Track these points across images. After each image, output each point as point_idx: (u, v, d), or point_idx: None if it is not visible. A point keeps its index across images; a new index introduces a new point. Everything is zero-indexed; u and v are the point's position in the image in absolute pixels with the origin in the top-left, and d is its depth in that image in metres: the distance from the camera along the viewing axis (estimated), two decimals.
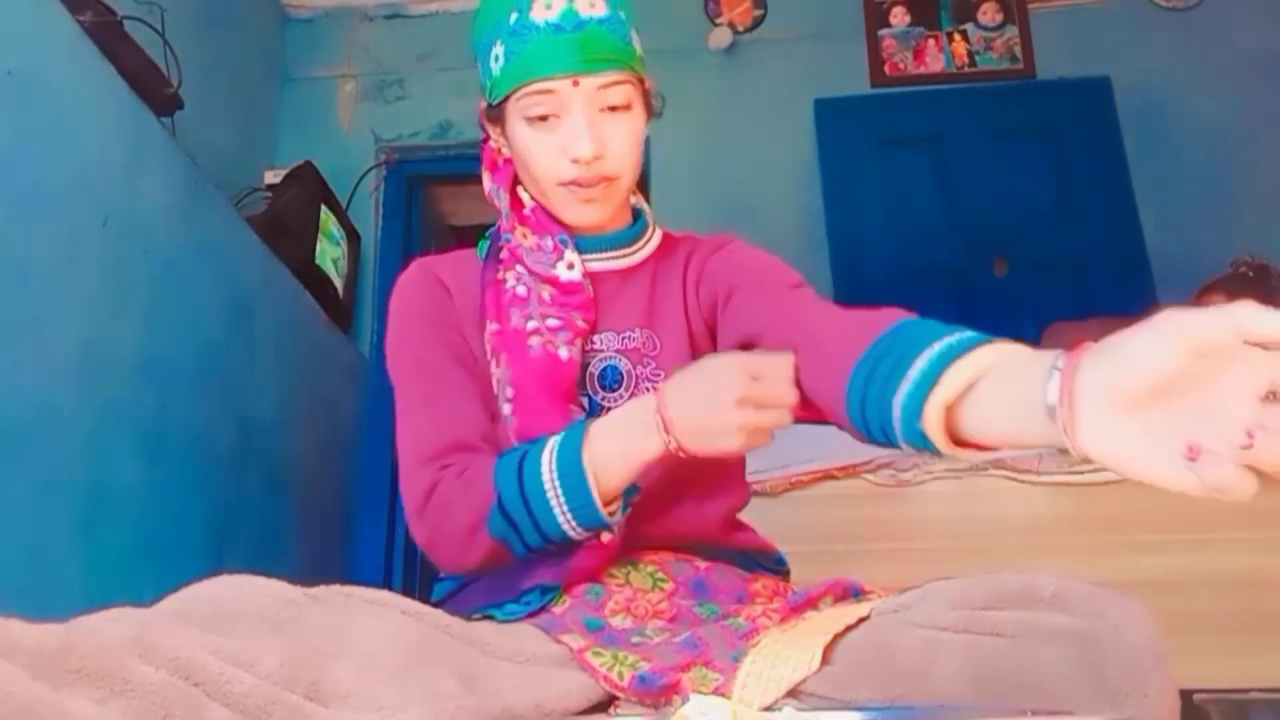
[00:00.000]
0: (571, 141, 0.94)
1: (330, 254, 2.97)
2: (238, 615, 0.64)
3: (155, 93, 2.03)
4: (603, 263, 1.03)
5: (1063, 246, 3.23)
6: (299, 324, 2.64)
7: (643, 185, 3.47)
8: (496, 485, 0.86)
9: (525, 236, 1.02)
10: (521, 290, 0.99)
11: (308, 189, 2.87)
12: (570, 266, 0.99)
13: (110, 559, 1.74)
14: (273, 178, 2.93)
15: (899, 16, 3.55)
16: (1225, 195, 3.18)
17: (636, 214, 1.09)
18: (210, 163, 2.30)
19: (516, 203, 1.03)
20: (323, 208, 2.93)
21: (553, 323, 0.96)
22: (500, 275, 1.02)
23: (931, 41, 3.52)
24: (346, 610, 0.70)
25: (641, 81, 0.99)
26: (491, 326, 0.98)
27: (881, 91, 3.48)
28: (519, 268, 1.00)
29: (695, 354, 1.00)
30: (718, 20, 3.60)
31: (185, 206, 2.07)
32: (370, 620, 0.69)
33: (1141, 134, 3.25)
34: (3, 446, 1.49)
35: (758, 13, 3.60)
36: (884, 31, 3.54)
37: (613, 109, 0.95)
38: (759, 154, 3.41)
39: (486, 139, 1.05)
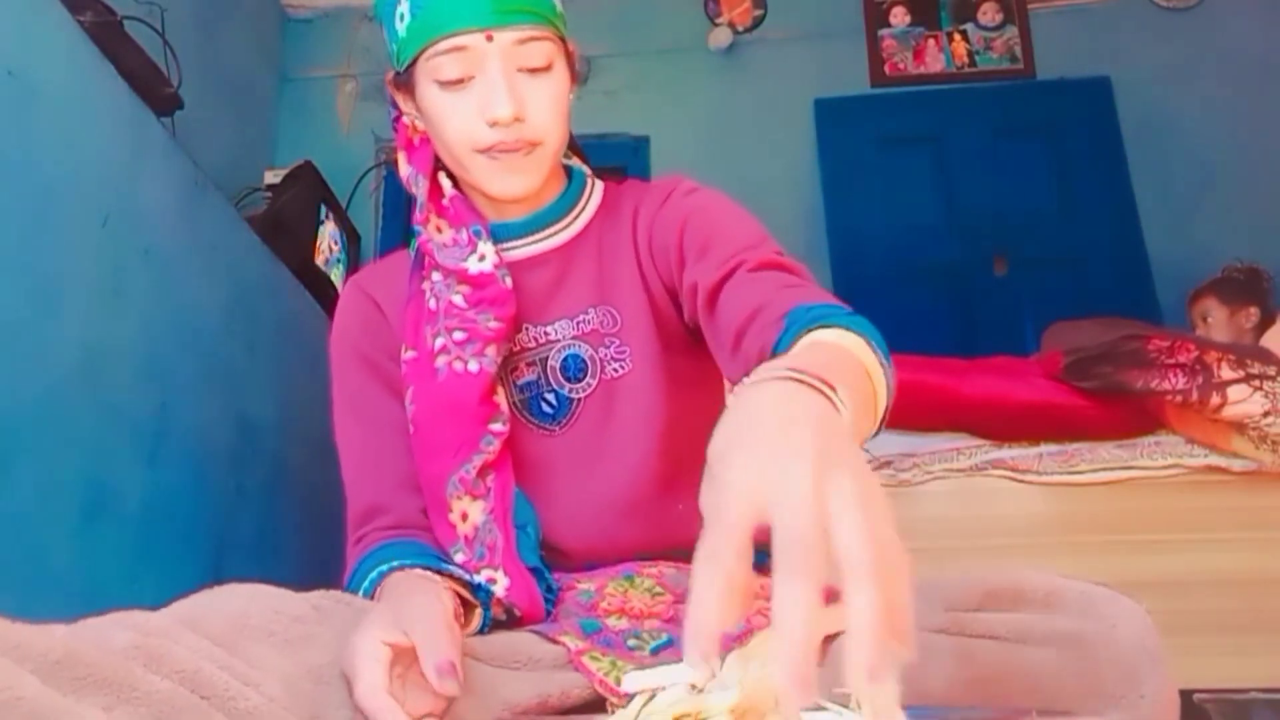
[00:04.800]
0: (488, 102, 0.84)
1: (330, 254, 2.97)
2: (245, 629, 0.63)
3: (155, 93, 2.02)
4: (536, 245, 0.95)
5: (1062, 246, 3.23)
6: (299, 324, 2.64)
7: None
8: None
9: (440, 230, 0.93)
10: (433, 304, 0.92)
11: (308, 189, 2.87)
12: (481, 258, 0.90)
13: (110, 559, 1.73)
14: (273, 178, 2.92)
15: (899, 16, 3.55)
16: (1225, 195, 3.18)
17: (570, 176, 0.99)
18: (210, 163, 2.30)
19: (436, 190, 0.94)
20: (323, 208, 2.92)
21: (459, 336, 0.89)
22: (422, 285, 0.94)
23: (931, 41, 3.52)
24: (352, 629, 0.68)
25: (564, 41, 0.90)
26: (407, 355, 0.92)
27: (881, 91, 3.48)
28: (435, 274, 0.93)
29: (660, 322, 0.93)
30: (718, 20, 3.60)
31: (185, 206, 2.06)
32: None
33: (1141, 134, 3.26)
34: (3, 446, 1.49)
35: (758, 13, 3.60)
36: (884, 31, 3.54)
37: (533, 71, 0.87)
38: (759, 154, 3.41)
39: (399, 115, 0.95)
